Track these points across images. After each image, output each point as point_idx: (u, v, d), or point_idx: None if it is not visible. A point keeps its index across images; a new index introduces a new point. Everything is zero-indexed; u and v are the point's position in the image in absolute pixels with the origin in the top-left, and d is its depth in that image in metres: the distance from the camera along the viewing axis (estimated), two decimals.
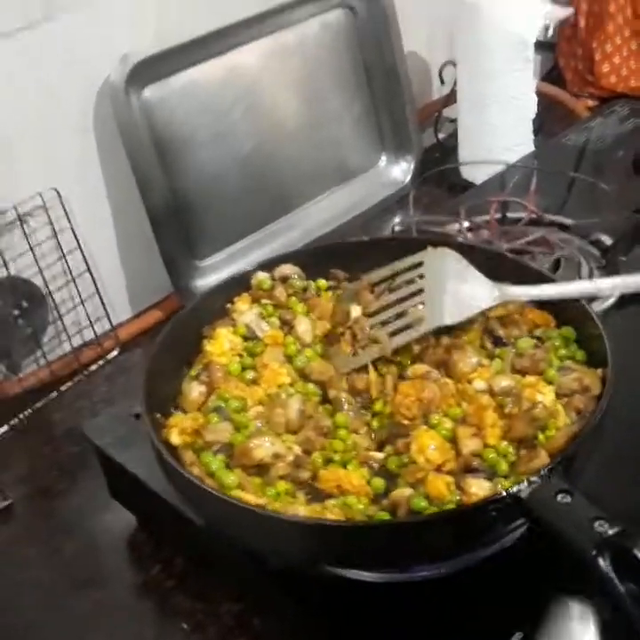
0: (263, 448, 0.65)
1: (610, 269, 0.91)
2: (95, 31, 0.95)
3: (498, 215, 0.99)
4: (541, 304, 0.74)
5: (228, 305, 0.81)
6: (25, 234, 0.93)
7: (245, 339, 0.78)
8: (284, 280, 0.82)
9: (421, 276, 0.74)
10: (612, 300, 0.84)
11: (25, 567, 0.79)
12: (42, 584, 0.78)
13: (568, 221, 0.98)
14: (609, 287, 0.75)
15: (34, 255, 0.94)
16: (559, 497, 0.54)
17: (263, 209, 1.13)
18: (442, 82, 1.34)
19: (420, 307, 0.73)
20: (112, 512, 0.82)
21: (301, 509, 0.60)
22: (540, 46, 1.31)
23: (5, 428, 0.93)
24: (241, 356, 0.77)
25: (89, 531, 0.82)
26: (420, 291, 0.73)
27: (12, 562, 0.80)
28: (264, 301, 0.81)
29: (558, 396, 0.66)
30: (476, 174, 1.21)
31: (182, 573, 0.76)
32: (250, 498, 0.61)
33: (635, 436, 0.71)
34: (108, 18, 0.96)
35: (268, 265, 0.84)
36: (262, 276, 0.82)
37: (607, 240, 0.94)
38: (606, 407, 0.61)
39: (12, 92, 0.90)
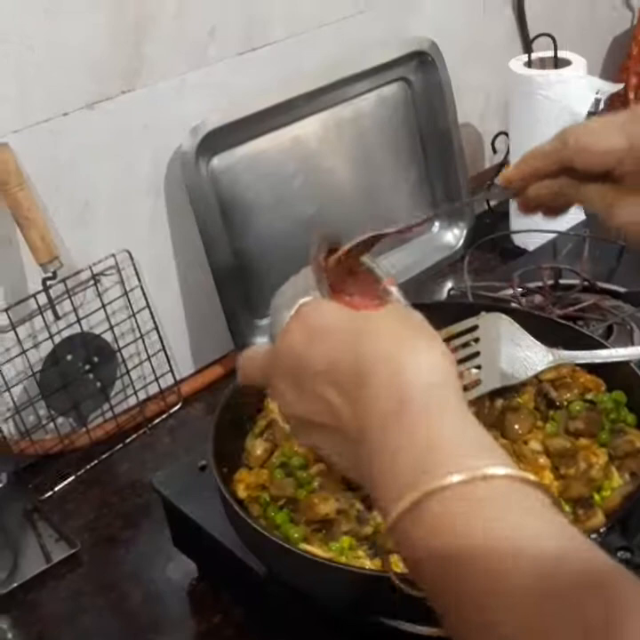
0: (328, 504, 0.68)
1: None
2: (168, 104, 1.01)
3: (551, 282, 1.02)
4: (592, 368, 0.77)
5: None
6: (98, 293, 0.98)
7: None
8: None
9: (476, 340, 0.76)
10: None
11: (92, 614, 0.82)
12: (108, 631, 0.81)
13: (620, 289, 1.00)
14: None
15: (105, 313, 0.99)
16: (619, 554, 0.56)
17: None
18: (494, 151, 1.38)
19: (475, 370, 0.75)
20: (174, 561, 0.85)
21: (367, 563, 0.63)
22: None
23: (73, 477, 0.97)
24: None
25: (152, 579, 0.85)
26: (476, 354, 0.75)
27: (79, 608, 0.83)
28: None
29: (611, 457, 0.68)
30: (527, 241, 1.24)
31: (242, 623, 0.78)
32: (317, 551, 0.64)
33: None
34: (180, 92, 1.02)
35: None
36: None
37: None
38: None
39: (91, 159, 0.96)
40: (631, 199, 0.60)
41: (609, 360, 0.72)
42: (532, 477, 0.42)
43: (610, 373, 0.75)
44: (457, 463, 0.42)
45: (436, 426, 0.45)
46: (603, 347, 0.74)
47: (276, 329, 0.57)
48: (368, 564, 0.63)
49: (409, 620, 0.65)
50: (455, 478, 0.41)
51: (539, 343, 0.72)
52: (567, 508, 0.65)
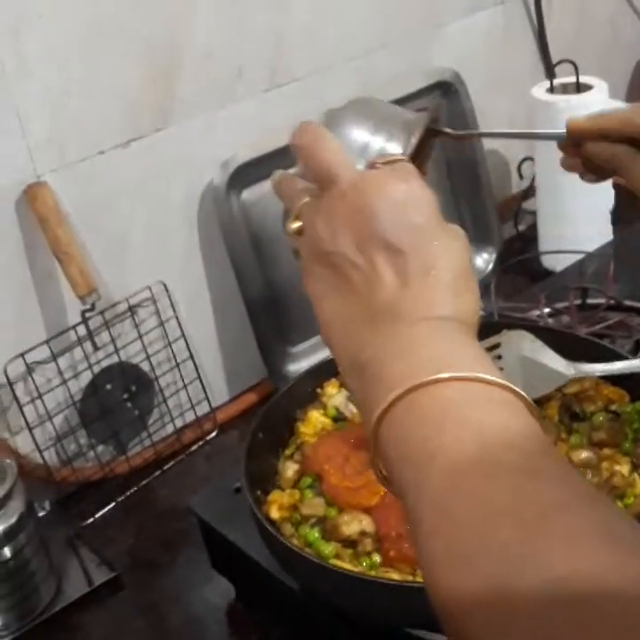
0: (350, 526, 0.70)
1: None
2: (199, 140, 1.05)
3: (577, 301, 1.03)
4: (616, 381, 0.78)
5: (318, 390, 0.87)
6: (135, 323, 1.01)
7: (335, 420, 0.84)
8: None
9: (499, 357, 0.78)
10: None
11: (133, 635, 0.85)
12: None
13: None
14: None
15: (142, 343, 1.02)
16: None
17: None
18: (520, 176, 1.40)
19: None
20: (212, 584, 0.87)
21: (395, 576, 0.65)
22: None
23: (114, 504, 1.00)
24: None
25: (191, 601, 0.87)
26: (499, 370, 0.77)
27: (121, 630, 0.85)
28: None
29: (634, 465, 0.69)
30: (555, 263, 1.25)
31: None
32: (348, 566, 0.66)
33: None
34: (211, 128, 1.06)
35: None
36: None
37: None
38: None
39: (126, 195, 1.00)
40: None
41: (628, 371, 0.73)
42: (512, 386, 0.43)
43: (633, 384, 0.77)
44: (476, 367, 0.43)
45: (470, 343, 0.46)
46: (621, 356, 0.75)
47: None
48: (396, 577, 0.65)
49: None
50: (471, 374, 0.42)
51: (560, 358, 0.74)
52: None
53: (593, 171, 0.67)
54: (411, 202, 0.48)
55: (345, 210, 0.49)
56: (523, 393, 0.43)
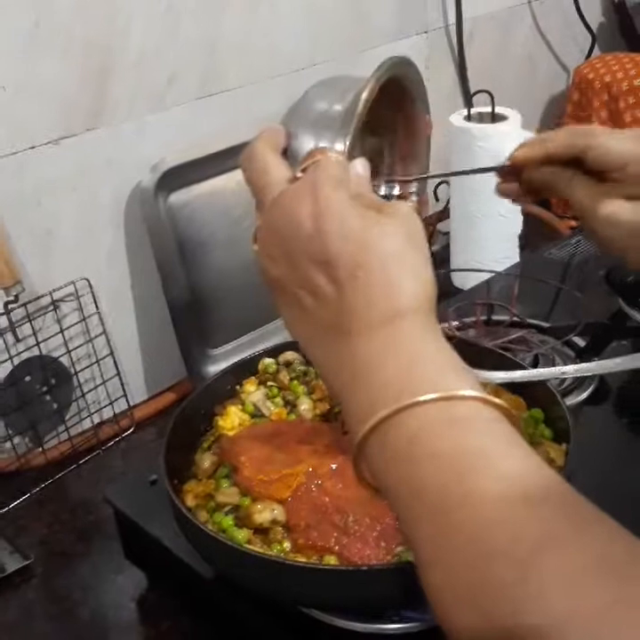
0: (262, 515, 0.73)
1: None
2: (129, 142, 1.08)
3: (484, 317, 1.10)
4: (515, 389, 0.84)
5: (237, 387, 0.91)
6: (57, 318, 1.03)
7: (253, 416, 0.88)
8: (288, 365, 0.93)
9: None
10: (585, 394, 0.96)
11: (44, 621, 0.86)
12: (60, 637, 0.84)
13: (545, 324, 1.08)
14: (570, 371, 0.85)
15: (63, 337, 1.04)
16: None
17: (270, 305, 1.22)
18: (436, 199, 1.47)
19: None
20: (124, 574, 0.89)
21: (302, 559, 0.69)
22: None
23: (28, 495, 1.01)
24: None
25: (104, 590, 0.89)
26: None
27: (32, 617, 0.86)
28: (269, 384, 0.91)
29: None
30: (465, 282, 1.32)
31: (189, 629, 0.82)
32: (259, 550, 0.70)
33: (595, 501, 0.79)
34: (141, 132, 1.08)
35: (273, 351, 0.94)
36: (268, 361, 0.93)
37: (580, 342, 1.04)
38: (569, 475, 0.70)
39: (55, 191, 1.02)
40: (616, 195, 0.62)
41: (525, 380, 0.79)
42: (499, 401, 0.44)
43: (529, 393, 0.82)
44: (433, 383, 0.44)
45: (420, 347, 0.46)
46: (520, 366, 0.81)
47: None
48: (303, 560, 0.69)
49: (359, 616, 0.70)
50: (429, 396, 0.43)
51: None
52: None
53: (529, 194, 0.69)
54: (320, 212, 0.48)
55: (267, 235, 0.50)
56: (504, 404, 0.44)
